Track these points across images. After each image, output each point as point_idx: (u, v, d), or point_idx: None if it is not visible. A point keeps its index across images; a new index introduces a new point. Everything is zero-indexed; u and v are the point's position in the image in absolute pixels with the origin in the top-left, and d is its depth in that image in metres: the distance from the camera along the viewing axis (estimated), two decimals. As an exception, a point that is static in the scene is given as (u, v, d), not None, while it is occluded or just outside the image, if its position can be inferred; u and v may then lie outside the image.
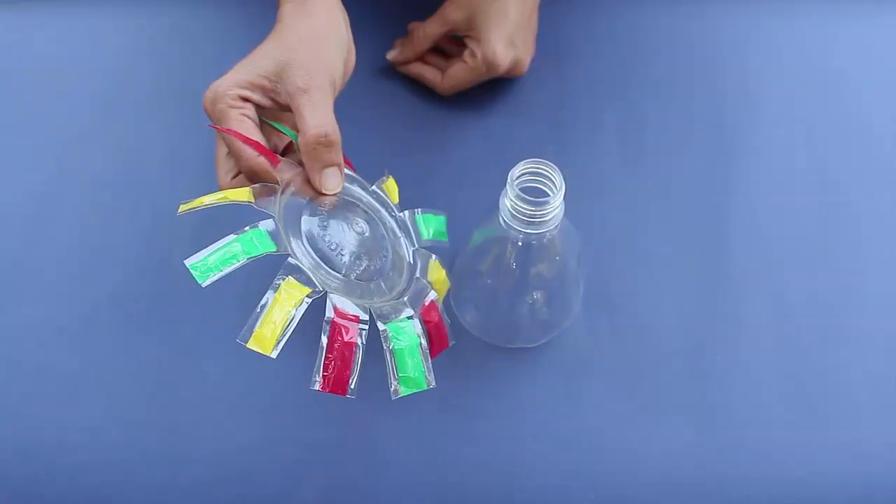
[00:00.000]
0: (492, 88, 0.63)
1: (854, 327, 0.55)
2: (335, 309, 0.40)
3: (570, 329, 0.54)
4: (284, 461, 0.51)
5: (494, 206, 0.46)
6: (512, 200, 0.43)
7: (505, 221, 0.45)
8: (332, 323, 0.39)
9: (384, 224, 0.48)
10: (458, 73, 0.60)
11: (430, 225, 0.52)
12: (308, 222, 0.44)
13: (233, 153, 0.45)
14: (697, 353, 0.54)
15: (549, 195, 0.44)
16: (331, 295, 0.40)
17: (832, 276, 0.57)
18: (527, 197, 0.43)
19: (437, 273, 0.49)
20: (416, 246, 0.50)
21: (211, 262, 0.38)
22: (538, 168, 0.44)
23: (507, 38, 0.58)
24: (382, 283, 0.45)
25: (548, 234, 0.45)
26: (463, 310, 0.54)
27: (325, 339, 0.39)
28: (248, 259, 0.39)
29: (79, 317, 0.55)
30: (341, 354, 0.39)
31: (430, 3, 0.62)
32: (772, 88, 0.65)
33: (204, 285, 0.38)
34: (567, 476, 0.51)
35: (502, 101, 0.63)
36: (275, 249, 0.40)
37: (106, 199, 0.60)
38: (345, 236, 0.45)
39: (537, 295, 0.50)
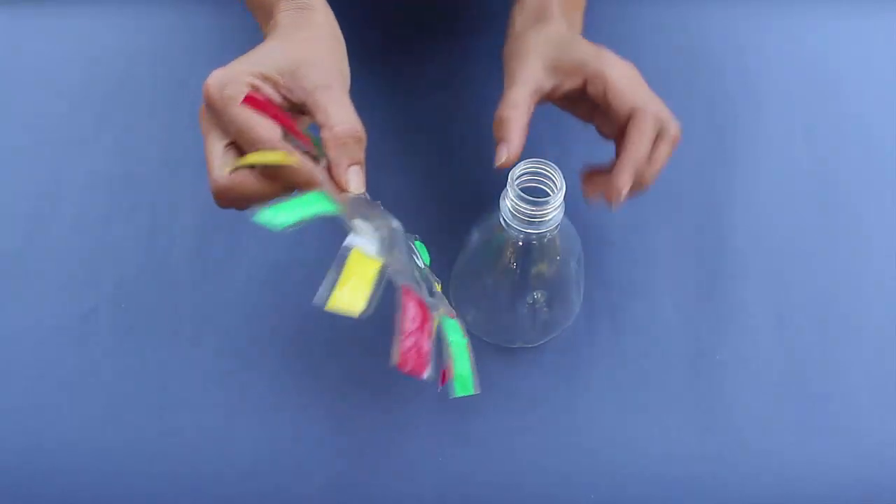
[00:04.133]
0: (490, 88, 0.63)
1: (855, 326, 0.55)
2: (404, 287, 0.38)
3: (570, 329, 0.54)
4: (284, 461, 0.51)
5: (494, 206, 0.46)
6: (512, 200, 0.43)
7: (505, 221, 0.45)
8: (407, 298, 0.38)
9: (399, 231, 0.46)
10: (661, 157, 0.47)
11: (423, 253, 0.49)
12: None
13: (247, 138, 0.41)
14: (698, 353, 0.54)
15: (549, 195, 0.44)
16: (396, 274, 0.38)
17: (832, 274, 0.57)
18: (527, 197, 0.43)
19: None
20: (423, 267, 0.47)
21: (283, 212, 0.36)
22: (538, 168, 0.44)
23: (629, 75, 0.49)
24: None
25: (548, 234, 0.45)
26: (463, 310, 0.54)
27: (405, 316, 0.37)
28: (319, 211, 0.37)
29: (78, 317, 0.55)
30: (419, 332, 0.38)
31: (419, 9, 0.62)
32: (771, 87, 0.65)
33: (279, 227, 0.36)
34: (567, 476, 0.51)
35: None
36: (341, 212, 0.38)
37: (105, 198, 0.60)
38: (369, 233, 0.42)
39: (538, 295, 0.50)
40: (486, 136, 0.62)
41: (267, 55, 0.43)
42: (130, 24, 0.67)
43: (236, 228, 0.58)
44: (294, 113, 0.44)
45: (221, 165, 0.42)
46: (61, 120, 0.63)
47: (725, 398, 0.53)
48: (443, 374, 0.39)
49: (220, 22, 0.67)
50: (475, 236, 0.50)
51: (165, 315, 0.55)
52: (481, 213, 0.50)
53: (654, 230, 0.58)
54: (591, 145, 0.61)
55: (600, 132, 0.51)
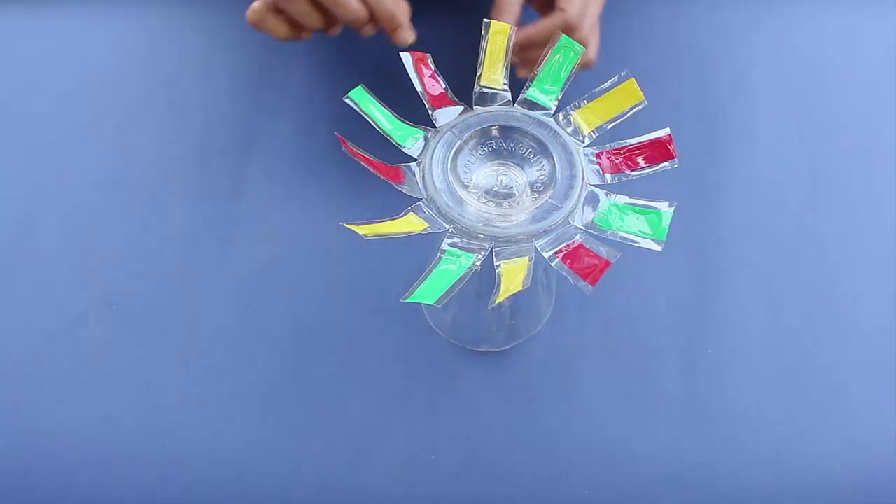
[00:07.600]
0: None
1: (846, 320, 0.55)
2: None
3: (561, 324, 0.54)
4: (277, 462, 0.51)
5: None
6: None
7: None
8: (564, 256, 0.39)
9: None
10: (528, 28, 0.56)
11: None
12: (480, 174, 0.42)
13: None
14: (689, 347, 0.54)
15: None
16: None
17: (824, 268, 0.56)
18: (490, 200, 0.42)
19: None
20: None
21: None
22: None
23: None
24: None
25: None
26: (430, 308, 0.54)
27: (565, 265, 0.39)
28: (460, 273, 0.39)
29: (69, 318, 0.55)
30: (579, 260, 0.39)
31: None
32: (763, 82, 0.64)
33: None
34: (561, 472, 0.51)
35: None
36: (474, 258, 0.39)
37: (96, 199, 0.60)
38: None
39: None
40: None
41: None
42: (121, 24, 0.67)
43: (228, 229, 0.58)
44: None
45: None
46: (51, 121, 0.63)
47: (717, 393, 0.52)
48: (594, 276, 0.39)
49: (210, 22, 0.67)
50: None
51: (157, 316, 0.55)
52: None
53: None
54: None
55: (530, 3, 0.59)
